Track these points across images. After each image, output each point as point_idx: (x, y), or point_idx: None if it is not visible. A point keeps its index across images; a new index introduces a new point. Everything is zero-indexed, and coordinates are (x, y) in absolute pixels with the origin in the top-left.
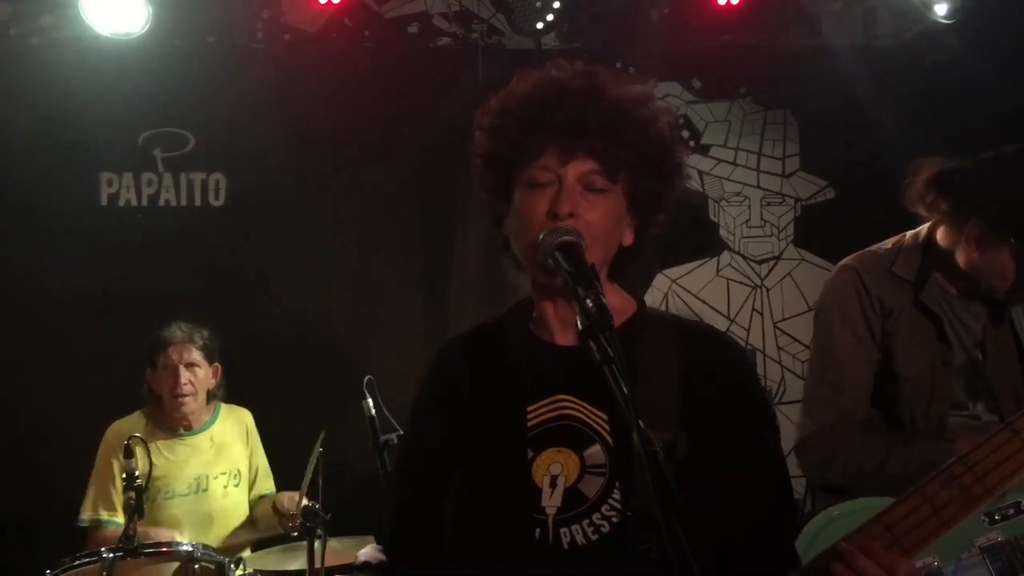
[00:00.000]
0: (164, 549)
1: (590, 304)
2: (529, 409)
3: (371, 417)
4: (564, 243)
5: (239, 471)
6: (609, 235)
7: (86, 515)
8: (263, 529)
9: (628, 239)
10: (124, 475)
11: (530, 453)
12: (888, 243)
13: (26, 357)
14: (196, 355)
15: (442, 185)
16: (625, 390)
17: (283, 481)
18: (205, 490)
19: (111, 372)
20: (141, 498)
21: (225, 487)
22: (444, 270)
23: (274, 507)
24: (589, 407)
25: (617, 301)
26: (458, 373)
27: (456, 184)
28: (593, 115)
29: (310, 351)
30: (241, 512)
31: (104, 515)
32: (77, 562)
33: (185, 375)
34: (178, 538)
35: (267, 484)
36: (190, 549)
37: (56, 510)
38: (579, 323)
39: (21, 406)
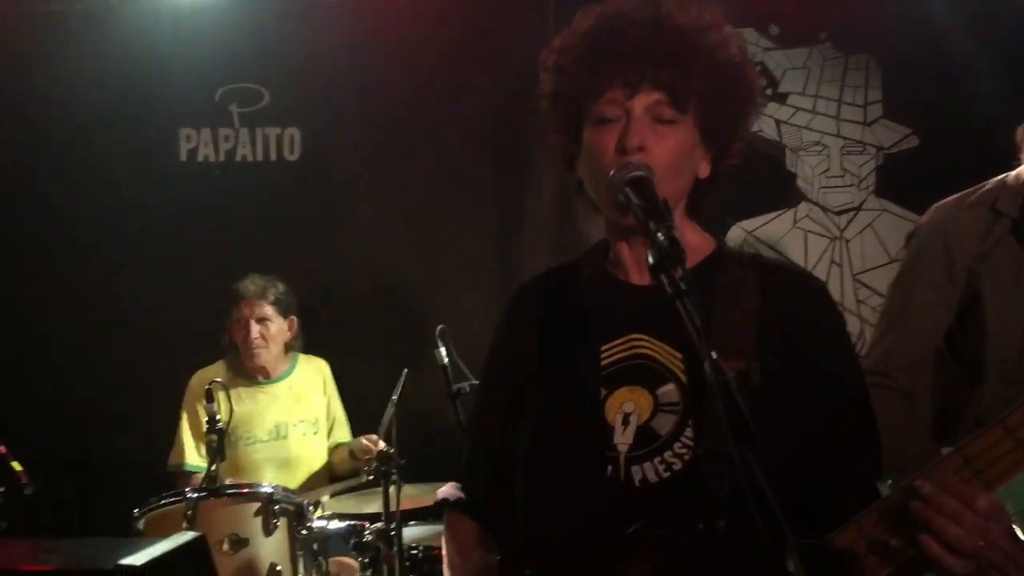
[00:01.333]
0: (245, 490)
1: (661, 237)
2: (603, 348)
3: (444, 366)
4: (634, 178)
5: (317, 419)
6: (681, 167)
7: (173, 460)
8: (341, 475)
9: (704, 171)
10: (206, 419)
11: (603, 391)
12: (990, 183)
13: (114, 309)
14: (268, 310)
15: (517, 135)
16: (697, 321)
17: (360, 430)
18: (284, 437)
19: (195, 323)
20: (222, 441)
21: (304, 434)
22: (518, 222)
23: (351, 453)
24: (664, 346)
25: (695, 239)
26: (534, 312)
27: (530, 134)
28: (658, 44)
29: (385, 302)
30: (319, 459)
31: (189, 460)
32: (163, 501)
33: (256, 329)
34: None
35: (344, 432)
36: (270, 491)
37: (145, 455)
38: (650, 257)
39: (111, 356)
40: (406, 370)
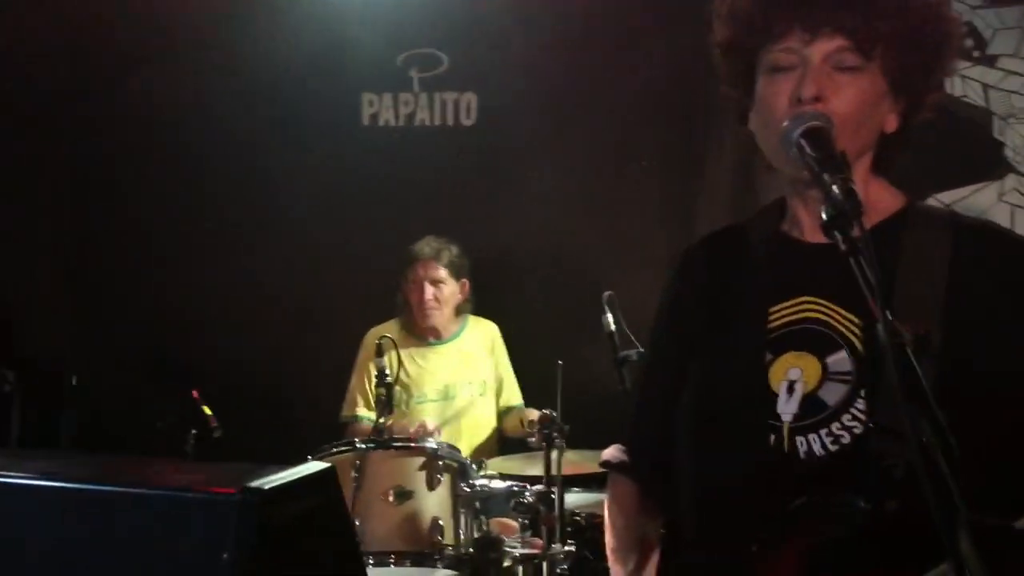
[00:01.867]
0: (412, 444)
1: (836, 190)
2: (771, 311)
3: (610, 333)
4: (809, 129)
5: (484, 381)
6: (864, 119)
7: (346, 411)
8: (512, 438)
9: (891, 125)
10: (376, 373)
11: (768, 356)
12: None
13: (294, 267)
14: (442, 272)
15: (695, 99)
16: (872, 279)
17: (527, 393)
18: (452, 397)
19: (372, 281)
20: (391, 394)
21: (471, 395)
22: (695, 190)
23: (521, 422)
24: (838, 310)
25: (882, 196)
26: (700, 274)
27: (711, 97)
28: None
29: (556, 267)
30: (486, 420)
31: (361, 412)
32: (335, 449)
33: (429, 290)
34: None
35: (514, 396)
36: (435, 446)
37: (322, 405)
38: (823, 213)
39: (294, 312)
40: (561, 364)
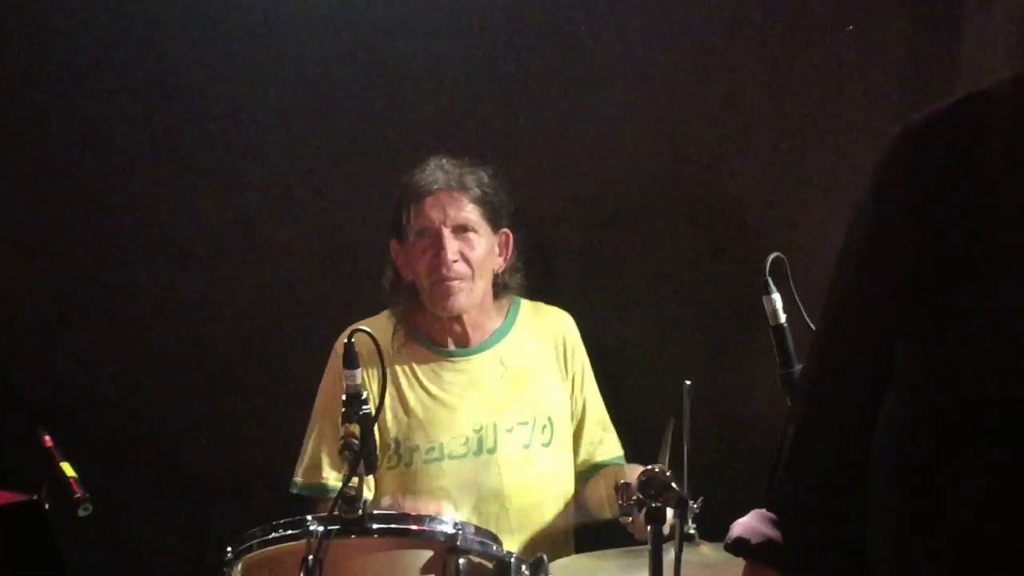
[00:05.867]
0: (410, 526)
1: None
2: None
3: (778, 327)
4: None
5: (550, 419)
6: None
7: (302, 476)
8: (594, 516)
9: None
10: (344, 394)
11: None
12: None
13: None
14: (471, 211)
15: None
16: None
17: (630, 445)
18: (491, 450)
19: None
20: (369, 437)
21: (527, 446)
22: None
23: (617, 489)
24: None
25: None
26: (923, 180)
27: None
28: None
29: (665, 216)
30: (554, 489)
31: (329, 477)
32: (270, 536)
33: (453, 245)
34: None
35: (607, 443)
36: (451, 530)
37: (263, 466)
38: None
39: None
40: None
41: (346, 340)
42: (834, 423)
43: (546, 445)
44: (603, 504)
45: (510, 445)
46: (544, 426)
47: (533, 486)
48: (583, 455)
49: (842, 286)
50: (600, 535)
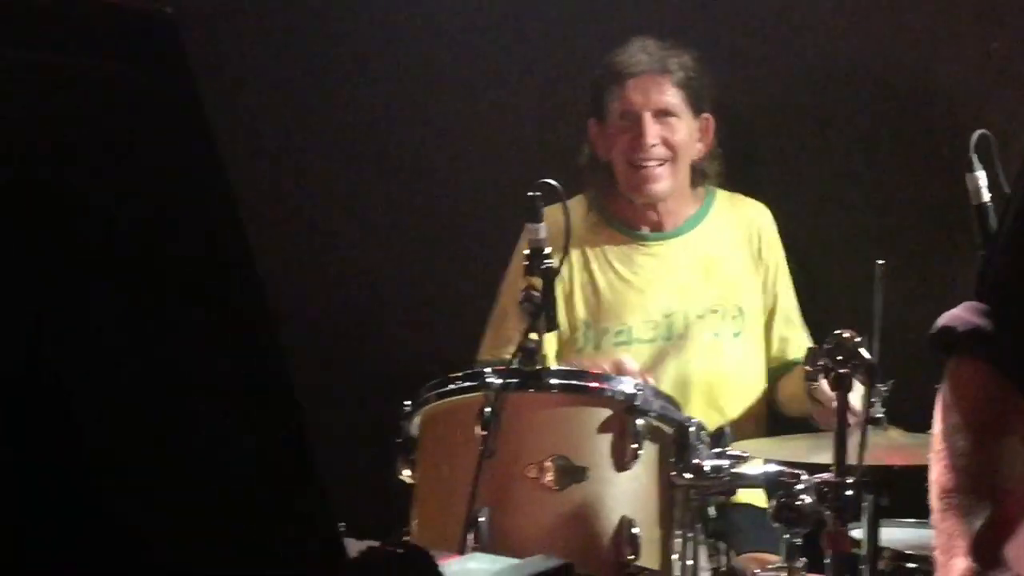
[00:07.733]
0: (590, 383)
1: None
2: None
3: (980, 205)
4: None
5: (740, 309)
6: None
7: (486, 353)
8: (786, 413)
9: None
10: (528, 249)
11: None
12: None
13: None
14: (672, 95)
15: None
16: None
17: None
18: (682, 335)
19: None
20: (551, 289)
21: (716, 335)
22: None
23: (810, 392)
24: None
25: None
26: None
27: None
28: None
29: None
30: (745, 380)
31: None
32: (448, 388)
33: (653, 129)
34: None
35: (798, 342)
36: (631, 390)
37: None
38: None
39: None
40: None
41: (530, 193)
42: None
43: (736, 335)
44: (795, 401)
45: (699, 332)
46: (734, 316)
47: (721, 375)
48: (774, 351)
49: None
50: (787, 427)
